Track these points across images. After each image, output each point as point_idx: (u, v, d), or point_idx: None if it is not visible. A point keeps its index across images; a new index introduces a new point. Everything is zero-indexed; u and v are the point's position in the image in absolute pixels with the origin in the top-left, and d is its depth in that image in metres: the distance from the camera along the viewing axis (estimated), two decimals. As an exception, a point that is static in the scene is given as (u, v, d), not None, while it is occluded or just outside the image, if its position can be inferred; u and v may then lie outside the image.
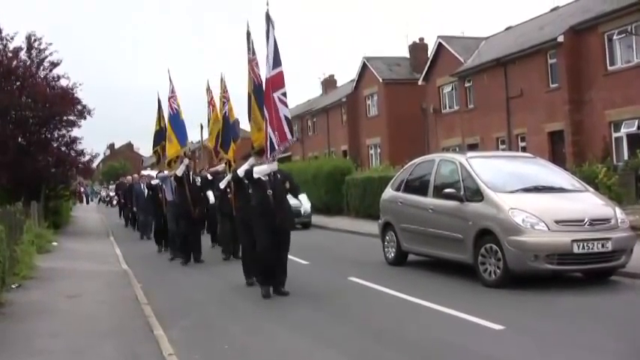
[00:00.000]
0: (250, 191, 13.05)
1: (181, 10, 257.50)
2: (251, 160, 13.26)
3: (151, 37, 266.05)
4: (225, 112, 18.72)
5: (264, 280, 12.41)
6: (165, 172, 20.66)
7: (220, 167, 19.29)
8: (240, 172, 13.14)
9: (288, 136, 12.53)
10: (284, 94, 12.52)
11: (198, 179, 18.91)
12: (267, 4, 12.64)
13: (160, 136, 23.34)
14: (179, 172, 18.07)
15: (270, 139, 12.43)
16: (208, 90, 20.67)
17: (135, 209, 29.81)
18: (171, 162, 19.80)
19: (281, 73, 12.53)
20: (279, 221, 12.24)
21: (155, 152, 24.45)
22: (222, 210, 18.34)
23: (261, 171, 12.42)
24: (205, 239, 20.76)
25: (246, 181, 13.09)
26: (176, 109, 20.17)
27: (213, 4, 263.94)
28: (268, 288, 12.33)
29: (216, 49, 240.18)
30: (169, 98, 20.59)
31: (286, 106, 12.60)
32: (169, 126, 20.29)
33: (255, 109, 14.22)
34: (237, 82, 17.58)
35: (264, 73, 13.11)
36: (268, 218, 12.23)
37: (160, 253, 21.52)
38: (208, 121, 20.53)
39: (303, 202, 12.23)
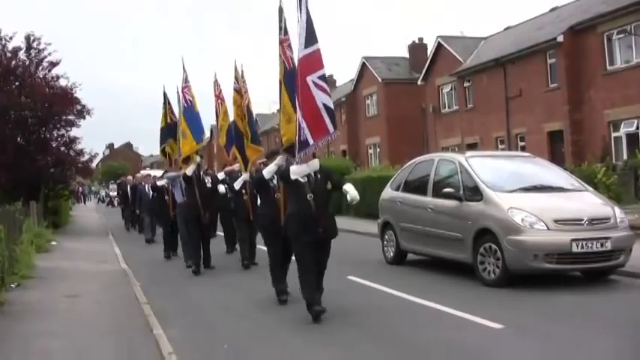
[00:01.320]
0: (277, 195, 11.98)
1: (181, 10, 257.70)
2: (280, 159, 11.63)
3: (151, 38, 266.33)
4: (247, 103, 15.99)
5: (312, 298, 10.10)
6: (173, 172, 18.78)
7: (236, 166, 16.96)
8: (267, 173, 11.79)
9: (329, 128, 10.24)
10: (322, 78, 10.23)
11: (208, 179, 17.08)
12: None
13: (166, 133, 21.29)
14: (189, 171, 16.23)
15: (302, 133, 10.16)
16: (216, 83, 18.23)
17: (138, 211, 28.34)
18: (189, 160, 17.14)
19: (317, 53, 10.23)
20: (322, 232, 10.21)
21: (162, 151, 21.81)
22: (237, 213, 16.61)
23: (299, 172, 10.23)
24: (219, 243, 19.56)
25: (273, 184, 12.14)
26: (190, 101, 17.88)
27: (213, 4, 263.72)
28: (319, 306, 10.11)
29: (216, 49, 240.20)
30: (183, 89, 18.21)
31: (326, 92, 10.27)
32: (183, 120, 17.82)
33: (285, 98, 11.68)
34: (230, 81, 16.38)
35: (297, 55, 10.61)
36: (309, 229, 10.11)
37: (169, 259, 19.45)
38: (216, 116, 17.96)
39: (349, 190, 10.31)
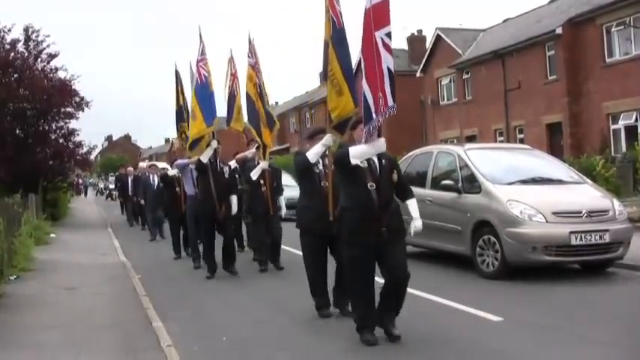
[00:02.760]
0: (323, 183, 9.73)
1: None
2: (327, 139, 9.30)
3: (154, 27, 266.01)
4: (261, 85, 14.47)
5: (363, 320, 8.28)
6: (184, 160, 16.47)
7: (250, 152, 15.30)
8: (313, 155, 9.39)
9: (389, 100, 8.13)
10: (389, 35, 8.15)
11: (227, 169, 14.40)
12: None
13: (180, 116, 19.41)
14: (204, 157, 13.82)
15: (367, 103, 8.14)
16: (231, 61, 15.81)
17: (143, 201, 25.36)
18: (197, 145, 14.81)
19: (386, 3, 8.12)
20: (386, 232, 8.08)
21: (181, 135, 19.38)
22: (253, 208, 14.61)
23: (362, 153, 8.12)
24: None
25: (318, 170, 9.79)
26: (205, 77, 14.97)
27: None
28: (371, 333, 8.24)
29: (227, 30, 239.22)
30: (198, 62, 15.29)
31: (391, 53, 8.16)
32: (194, 98, 15.12)
33: (334, 64, 9.46)
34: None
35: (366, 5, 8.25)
36: (370, 228, 8.03)
37: (178, 259, 17.52)
38: (230, 98, 15.58)
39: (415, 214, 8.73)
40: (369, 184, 8.10)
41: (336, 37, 9.54)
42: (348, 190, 8.36)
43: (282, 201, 14.97)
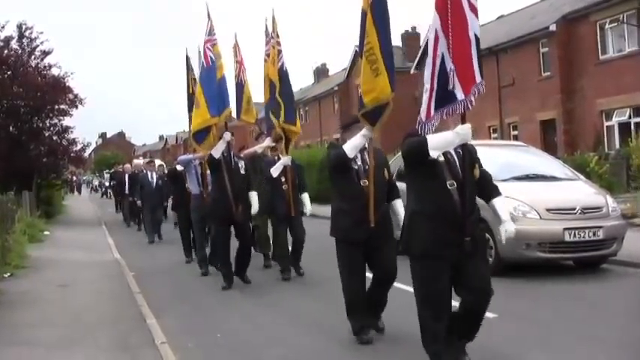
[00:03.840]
0: (363, 182, 8.10)
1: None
2: (367, 130, 8.05)
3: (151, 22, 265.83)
4: (283, 65, 13.04)
5: (440, 357, 6.69)
6: (188, 155, 15.43)
7: (259, 147, 14.08)
8: (351, 148, 8.04)
9: (477, 76, 6.37)
10: None
11: (242, 164, 12.63)
12: None
13: (192, 105, 16.12)
14: (215, 152, 12.04)
15: (451, 79, 6.34)
16: (236, 47, 14.26)
17: (139, 202, 23.70)
18: (204, 138, 13.09)
19: None
20: (469, 242, 6.47)
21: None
22: (274, 209, 13.08)
23: (444, 143, 6.42)
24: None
25: (357, 167, 8.15)
26: (212, 60, 13.00)
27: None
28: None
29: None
30: (205, 43, 13.27)
31: (477, 16, 6.39)
32: (199, 85, 13.36)
33: (372, 37, 7.92)
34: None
35: None
36: (452, 238, 6.41)
37: (189, 263, 16.05)
38: (238, 87, 13.87)
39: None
40: (448, 183, 6.45)
41: (377, 6, 7.98)
42: (420, 191, 6.66)
43: (307, 199, 13.51)
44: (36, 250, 17.68)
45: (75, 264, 15.99)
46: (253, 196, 12.72)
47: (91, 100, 32.34)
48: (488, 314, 9.16)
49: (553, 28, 33.46)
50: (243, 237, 12.60)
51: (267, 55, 13.31)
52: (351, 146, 8.05)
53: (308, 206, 13.48)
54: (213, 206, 12.60)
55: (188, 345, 8.42)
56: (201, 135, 13.04)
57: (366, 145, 8.20)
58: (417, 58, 47.29)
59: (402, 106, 49.81)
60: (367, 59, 8.03)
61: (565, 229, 11.72)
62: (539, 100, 34.96)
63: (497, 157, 14.02)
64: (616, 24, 30.98)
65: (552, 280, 11.70)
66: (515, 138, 35.29)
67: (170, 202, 20.49)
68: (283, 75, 12.91)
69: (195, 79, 16.20)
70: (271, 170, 12.66)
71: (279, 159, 12.97)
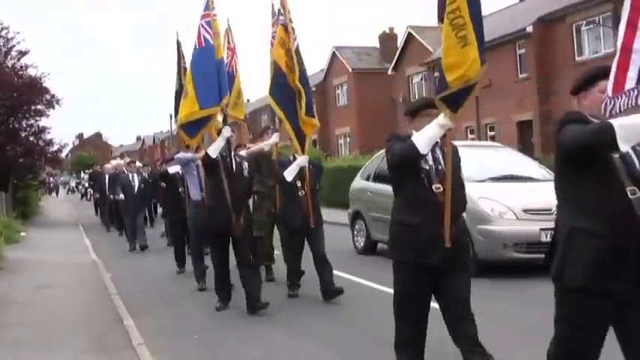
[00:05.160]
0: (435, 187, 6.05)
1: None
2: (445, 118, 5.95)
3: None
4: (299, 46, 10.93)
5: None
6: (187, 154, 12.69)
7: (266, 144, 12.06)
8: (424, 141, 5.89)
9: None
10: None
11: (245, 165, 10.55)
12: None
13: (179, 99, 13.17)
14: (212, 150, 9.99)
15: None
16: (228, 32, 12.58)
17: (120, 202, 20.73)
18: (198, 131, 10.94)
19: None
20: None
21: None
22: (289, 219, 10.98)
23: (633, 135, 4.09)
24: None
25: (429, 166, 6.08)
26: (206, 40, 10.60)
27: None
28: None
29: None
30: (202, 18, 10.79)
31: None
32: (189, 71, 11.01)
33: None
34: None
35: None
36: (628, 263, 4.47)
37: (181, 273, 14.37)
38: (228, 77, 11.31)
39: None
40: (628, 190, 4.44)
41: None
42: (586, 200, 4.57)
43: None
44: (12, 252, 17.57)
45: (52, 265, 15.92)
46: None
47: (68, 100, 32.22)
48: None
49: (530, 29, 33.69)
50: (243, 255, 10.28)
51: (274, 38, 11.61)
52: (425, 138, 5.88)
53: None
54: (209, 217, 10.42)
55: (165, 346, 8.41)
56: (193, 128, 10.81)
57: (438, 140, 6.11)
58: (395, 59, 47.41)
59: (380, 107, 50.02)
60: (451, 23, 6.01)
61: (542, 229, 11.79)
62: (516, 101, 35.13)
63: (474, 158, 14.10)
64: (592, 26, 31.23)
65: (530, 280, 11.76)
66: (492, 139, 35.42)
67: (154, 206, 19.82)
68: (300, 59, 10.87)
69: (186, 68, 13.12)
70: (285, 173, 10.58)
71: (294, 159, 10.83)
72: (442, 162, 6.20)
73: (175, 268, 14.58)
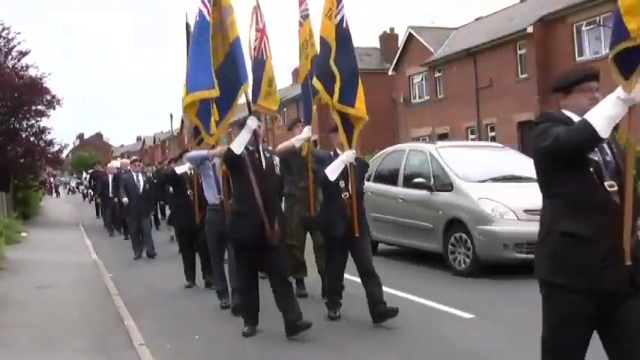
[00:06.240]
0: (609, 186, 4.42)
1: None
2: (626, 95, 4.19)
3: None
4: (343, 21, 9.36)
5: None
6: (201, 151, 10.62)
7: (297, 140, 10.20)
8: (602, 121, 4.19)
9: None
10: None
11: (277, 160, 8.92)
12: None
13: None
14: (236, 146, 8.26)
15: None
16: (257, 11, 10.20)
17: (125, 201, 18.86)
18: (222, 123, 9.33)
19: None
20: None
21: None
22: (329, 226, 9.13)
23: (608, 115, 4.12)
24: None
25: (600, 159, 4.46)
26: (201, 14, 8.70)
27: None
28: None
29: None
30: None
31: None
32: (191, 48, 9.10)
33: None
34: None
35: None
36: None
37: (190, 287, 12.76)
38: (257, 63, 9.99)
39: None
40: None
41: None
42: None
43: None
44: (13, 252, 17.55)
45: (53, 265, 15.91)
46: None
47: (68, 101, 32.25)
48: (464, 314, 9.23)
49: (530, 30, 33.72)
50: (279, 268, 8.58)
51: (304, 17, 10.56)
52: (604, 118, 4.20)
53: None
54: (235, 225, 8.51)
55: (166, 347, 8.41)
56: (204, 118, 9.27)
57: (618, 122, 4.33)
58: (395, 60, 47.40)
59: (380, 106, 49.87)
60: None
61: (542, 229, 11.79)
62: (516, 101, 35.13)
63: (474, 159, 14.17)
64: (592, 26, 31.24)
65: (529, 280, 11.71)
66: (493, 139, 35.43)
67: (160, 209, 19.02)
68: (342, 35, 9.32)
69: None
70: (326, 171, 8.92)
71: (336, 155, 9.20)
72: (610, 152, 4.55)
73: (183, 280, 13.02)
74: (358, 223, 8.94)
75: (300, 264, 10.99)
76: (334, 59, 9.07)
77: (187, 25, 11.97)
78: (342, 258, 9.24)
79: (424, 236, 13.43)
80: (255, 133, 8.42)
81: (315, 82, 9.30)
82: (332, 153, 9.25)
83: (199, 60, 8.59)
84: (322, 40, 9.36)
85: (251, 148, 8.45)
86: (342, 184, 8.94)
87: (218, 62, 8.77)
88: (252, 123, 8.35)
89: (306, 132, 10.14)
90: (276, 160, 8.89)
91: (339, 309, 9.41)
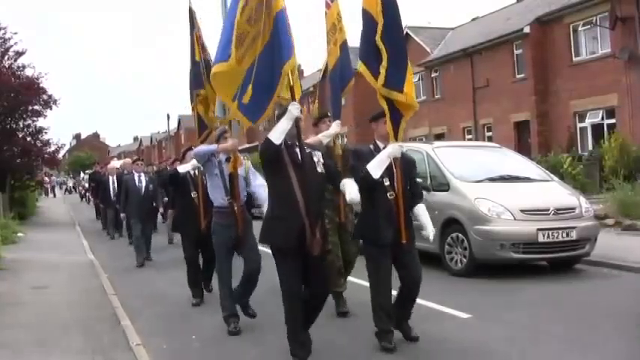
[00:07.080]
0: None
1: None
2: None
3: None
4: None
5: None
6: (210, 146, 9.59)
7: (324, 136, 9.31)
8: None
9: None
10: None
11: (319, 156, 7.47)
12: None
13: (197, 80, 11.09)
14: (275, 136, 6.95)
15: None
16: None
17: (123, 214, 18.24)
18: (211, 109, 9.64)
19: None
20: None
21: (196, 108, 11.07)
22: (375, 233, 7.82)
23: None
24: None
25: None
26: None
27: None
28: None
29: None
30: None
31: None
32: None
33: None
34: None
35: None
36: None
37: (198, 305, 11.09)
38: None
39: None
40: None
41: None
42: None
43: (423, 212, 8.30)
44: (9, 252, 17.53)
45: (49, 266, 15.88)
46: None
47: (65, 101, 32.22)
48: (461, 314, 9.24)
49: (527, 30, 33.71)
50: (321, 282, 7.35)
51: None
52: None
53: (429, 227, 8.29)
54: (270, 228, 7.16)
55: (163, 347, 8.40)
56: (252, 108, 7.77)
57: None
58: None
59: (377, 107, 49.92)
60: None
61: (539, 229, 11.82)
62: (513, 101, 35.15)
63: (471, 158, 14.18)
64: (589, 26, 31.25)
65: (526, 280, 11.77)
66: (490, 139, 35.49)
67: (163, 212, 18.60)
68: (389, 7, 7.92)
69: (200, 44, 11.29)
70: (369, 167, 7.67)
71: (377, 149, 8.04)
72: None
73: (180, 280, 11.98)
74: (406, 228, 7.78)
75: (338, 273, 9.57)
76: (380, 36, 7.80)
77: (191, 11, 11.61)
78: (390, 273, 7.86)
79: (420, 236, 13.39)
80: (296, 123, 7.12)
81: (361, 67, 8.07)
82: (372, 147, 8.07)
83: (223, 34, 7.49)
84: (365, 13, 7.97)
85: (289, 142, 7.17)
86: (386, 182, 7.71)
87: (263, 44, 7.33)
88: (295, 110, 7.06)
89: (335, 127, 9.29)
90: (319, 155, 7.48)
91: (392, 337, 7.84)
